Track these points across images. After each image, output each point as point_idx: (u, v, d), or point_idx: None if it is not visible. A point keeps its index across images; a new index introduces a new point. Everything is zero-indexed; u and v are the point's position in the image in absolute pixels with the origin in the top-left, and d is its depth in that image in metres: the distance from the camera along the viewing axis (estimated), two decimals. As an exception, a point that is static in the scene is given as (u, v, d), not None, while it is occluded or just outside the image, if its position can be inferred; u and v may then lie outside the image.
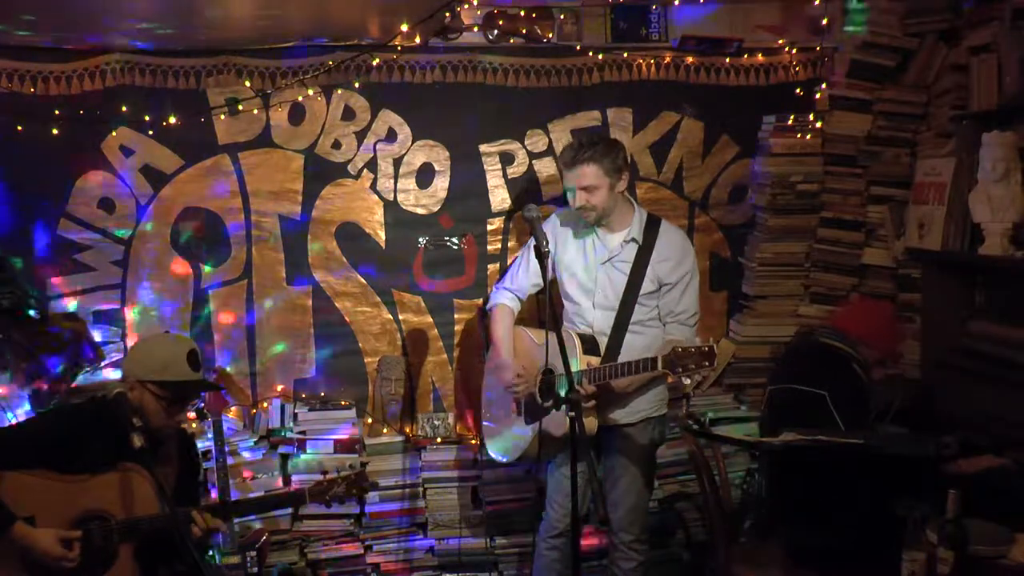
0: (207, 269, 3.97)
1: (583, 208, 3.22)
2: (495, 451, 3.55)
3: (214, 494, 3.64)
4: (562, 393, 2.69)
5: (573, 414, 2.65)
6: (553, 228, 3.41)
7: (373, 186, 4.02)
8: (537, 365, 3.30)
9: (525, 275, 3.46)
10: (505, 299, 3.48)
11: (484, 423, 3.63)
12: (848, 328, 3.38)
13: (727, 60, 4.09)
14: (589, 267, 3.33)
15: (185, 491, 2.96)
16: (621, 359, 3.17)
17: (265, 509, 3.64)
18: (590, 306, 3.33)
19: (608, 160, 3.19)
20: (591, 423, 3.20)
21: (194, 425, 3.77)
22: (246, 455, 3.91)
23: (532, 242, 3.30)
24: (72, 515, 2.69)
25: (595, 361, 3.19)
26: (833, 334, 3.37)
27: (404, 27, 3.68)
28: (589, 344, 3.24)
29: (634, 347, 3.22)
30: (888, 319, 3.53)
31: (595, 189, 3.18)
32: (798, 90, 4.09)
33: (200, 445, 3.46)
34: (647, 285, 3.25)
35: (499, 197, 4.08)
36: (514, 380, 3.34)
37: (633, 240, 3.28)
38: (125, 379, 2.85)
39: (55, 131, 3.71)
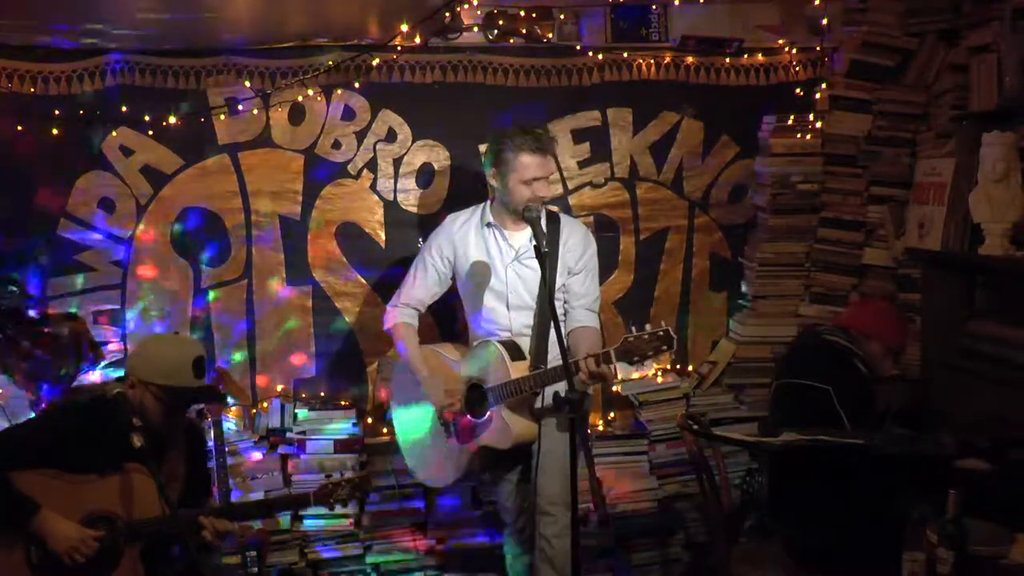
0: (207, 269, 3.97)
1: (540, 199, 3.15)
2: (428, 478, 3.47)
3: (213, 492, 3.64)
4: (561, 394, 2.67)
5: (573, 415, 2.64)
6: (450, 234, 3.35)
7: (373, 186, 4.02)
8: (458, 381, 3.26)
9: (424, 286, 3.39)
10: (404, 317, 3.41)
11: (406, 451, 3.53)
12: (853, 326, 3.39)
13: (727, 60, 4.09)
14: (497, 269, 3.28)
15: (196, 484, 2.97)
16: (550, 356, 3.15)
17: (269, 511, 3.64)
18: (504, 309, 3.29)
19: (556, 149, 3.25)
20: (530, 429, 3.16)
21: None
22: (246, 455, 3.91)
23: (424, 251, 3.38)
24: (78, 516, 2.69)
25: (522, 365, 3.14)
26: (835, 331, 3.38)
27: (404, 27, 3.69)
28: (513, 350, 3.19)
29: (555, 344, 3.09)
30: (892, 315, 3.55)
31: (552, 177, 3.22)
32: (798, 90, 4.09)
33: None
34: (559, 278, 3.22)
35: (499, 197, 4.08)
36: (446, 401, 3.23)
37: None
38: (127, 376, 2.85)
39: (55, 131, 3.70)
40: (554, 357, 3.16)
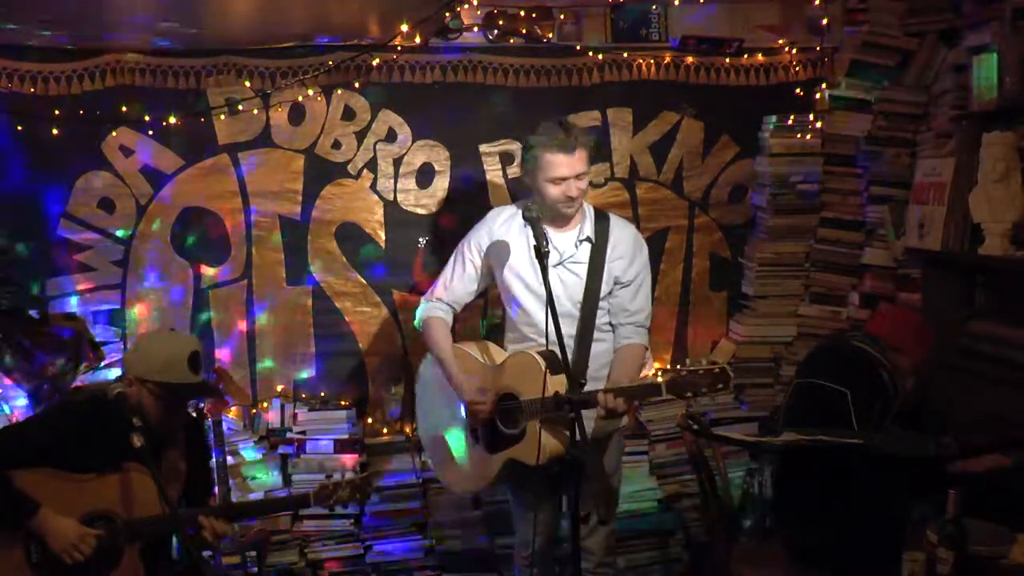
0: (207, 269, 3.97)
1: (572, 200, 2.94)
2: (451, 483, 3.33)
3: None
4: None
5: (573, 414, 2.64)
6: (490, 229, 3.13)
7: (373, 186, 4.02)
8: (491, 385, 3.06)
9: (461, 282, 3.17)
10: (439, 312, 3.18)
11: (429, 451, 3.40)
12: (881, 335, 3.35)
13: (727, 60, 4.09)
14: (539, 271, 2.94)
15: (198, 481, 2.97)
16: (591, 369, 3.01)
17: (269, 511, 3.64)
18: (543, 315, 2.92)
19: (592, 143, 3.02)
20: (554, 446, 2.91)
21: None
22: (246, 455, 3.91)
23: (463, 246, 3.19)
24: (78, 515, 2.70)
25: (560, 380, 2.83)
26: (865, 339, 3.34)
27: (404, 27, 3.69)
28: (552, 362, 2.88)
29: (596, 356, 3.03)
30: (919, 329, 3.51)
31: (584, 176, 2.95)
32: (798, 90, 4.10)
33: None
34: (604, 286, 3.04)
35: (499, 197, 4.08)
36: (478, 399, 3.04)
37: (587, 239, 3.06)
38: (125, 375, 2.85)
39: (55, 131, 3.70)
40: (595, 370, 3.03)
